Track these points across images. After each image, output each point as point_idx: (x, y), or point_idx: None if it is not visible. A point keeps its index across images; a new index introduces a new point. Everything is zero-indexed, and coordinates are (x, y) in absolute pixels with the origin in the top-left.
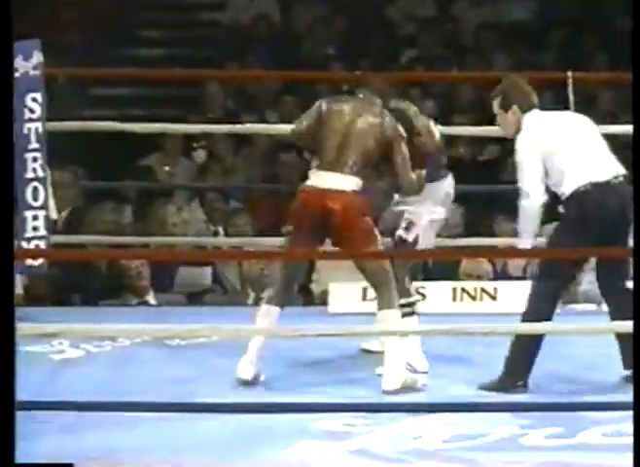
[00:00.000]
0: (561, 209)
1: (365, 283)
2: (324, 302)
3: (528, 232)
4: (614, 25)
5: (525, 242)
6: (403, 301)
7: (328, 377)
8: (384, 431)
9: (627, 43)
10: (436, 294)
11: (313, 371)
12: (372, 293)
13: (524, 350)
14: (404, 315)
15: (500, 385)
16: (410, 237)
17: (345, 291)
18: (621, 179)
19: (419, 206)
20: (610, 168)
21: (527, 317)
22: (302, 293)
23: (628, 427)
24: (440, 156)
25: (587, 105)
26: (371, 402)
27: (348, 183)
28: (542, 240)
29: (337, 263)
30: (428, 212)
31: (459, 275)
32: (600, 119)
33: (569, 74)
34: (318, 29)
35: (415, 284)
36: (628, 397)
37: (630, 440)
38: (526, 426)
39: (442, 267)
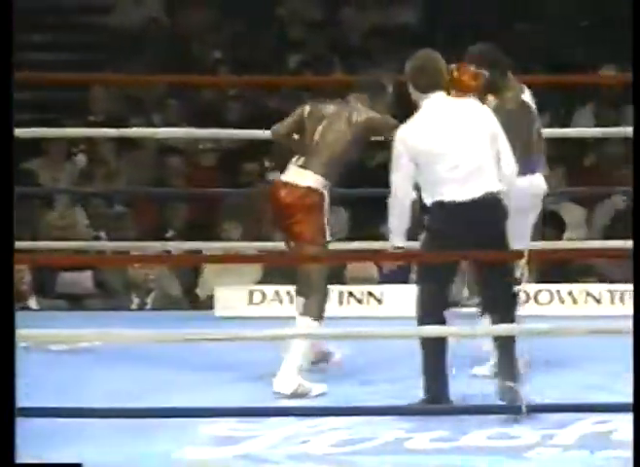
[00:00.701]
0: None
1: (252, 287)
2: (210, 306)
3: (395, 230)
4: (501, 28)
5: (395, 240)
6: None
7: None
8: (271, 435)
9: (520, 45)
10: None
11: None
12: (258, 297)
13: (433, 366)
14: None
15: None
16: None
17: (232, 295)
18: (486, 197)
19: None
20: (476, 185)
21: (419, 323)
22: (188, 297)
23: (513, 430)
24: None
25: None
26: (260, 406)
27: (308, 179)
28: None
29: (223, 265)
30: None
31: (345, 279)
32: None
33: None
34: (206, 33)
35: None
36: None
37: (516, 442)
38: (412, 430)
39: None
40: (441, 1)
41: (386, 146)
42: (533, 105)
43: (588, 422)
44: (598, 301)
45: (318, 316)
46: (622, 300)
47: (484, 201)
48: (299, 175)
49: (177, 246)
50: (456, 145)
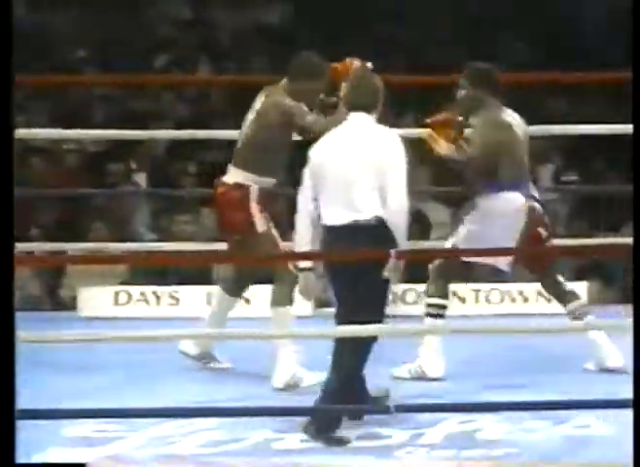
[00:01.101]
0: None
1: (117, 287)
2: (74, 306)
3: (299, 243)
4: (369, 28)
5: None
6: (434, 300)
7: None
8: (139, 436)
9: (386, 45)
10: (190, 298)
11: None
12: (124, 297)
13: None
14: (428, 315)
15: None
16: None
17: (96, 295)
18: (359, 225)
19: None
20: (352, 212)
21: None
22: (51, 297)
23: (383, 430)
24: None
25: None
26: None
27: (234, 176)
28: None
29: (87, 266)
30: None
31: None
32: None
33: None
34: (70, 31)
35: (169, 289)
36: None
37: (385, 442)
38: (282, 430)
39: (197, 271)
40: (306, 1)
41: None
42: (519, 125)
43: (454, 422)
44: (463, 300)
45: (287, 303)
46: (487, 300)
47: (357, 229)
48: (229, 173)
49: (40, 247)
50: (345, 170)
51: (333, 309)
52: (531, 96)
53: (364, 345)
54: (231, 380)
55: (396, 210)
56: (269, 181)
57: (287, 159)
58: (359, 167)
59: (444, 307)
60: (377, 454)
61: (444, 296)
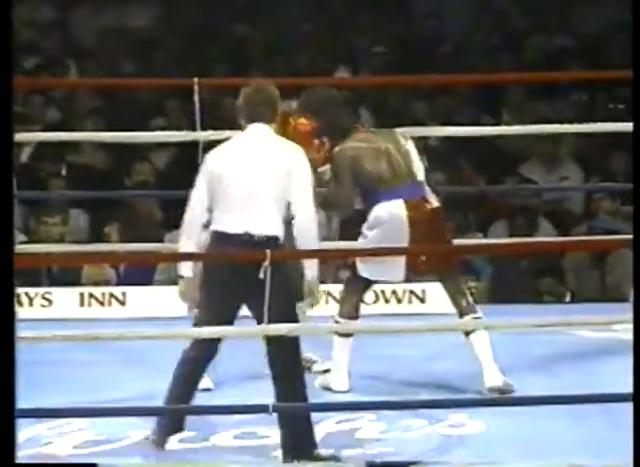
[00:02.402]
0: None
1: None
2: None
3: (184, 245)
4: (233, 34)
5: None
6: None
7: None
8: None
9: (245, 51)
10: (63, 299)
11: None
12: None
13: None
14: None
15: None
16: None
17: None
18: (253, 237)
19: None
20: (246, 224)
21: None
22: None
23: (261, 430)
24: None
25: (212, 112)
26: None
27: None
28: None
29: None
30: None
31: (82, 281)
32: (225, 125)
33: (195, 80)
34: None
35: (41, 290)
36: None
37: (263, 442)
38: None
39: (66, 272)
40: (174, 5)
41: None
42: (380, 143)
43: (332, 421)
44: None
45: None
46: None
47: (248, 241)
48: None
49: None
50: (245, 180)
51: None
52: (392, 98)
53: None
54: None
55: (303, 222)
56: None
57: None
58: (261, 179)
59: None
60: (255, 454)
61: (355, 316)
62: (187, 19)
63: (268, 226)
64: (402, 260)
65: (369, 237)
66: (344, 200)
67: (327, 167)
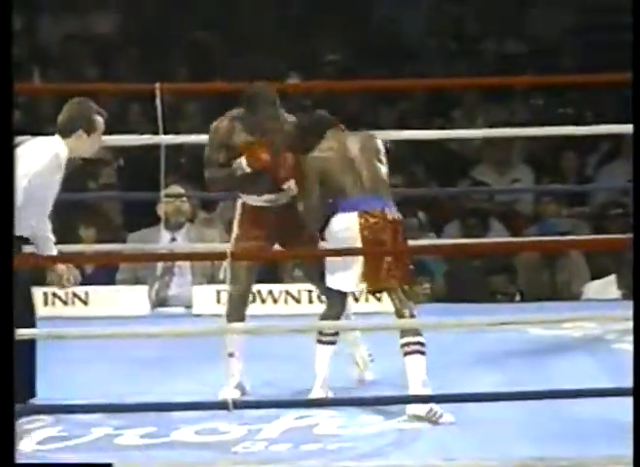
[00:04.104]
0: None
1: None
2: None
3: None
4: (194, 40)
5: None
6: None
7: None
8: None
9: (207, 55)
10: None
11: None
12: None
13: None
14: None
15: None
16: None
17: None
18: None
19: None
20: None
21: None
22: None
23: (222, 426)
24: None
25: (174, 117)
26: None
27: None
28: None
29: None
30: None
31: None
32: (187, 129)
33: (157, 85)
34: None
35: None
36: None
37: (224, 437)
38: (121, 426)
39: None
40: (136, 12)
41: None
42: (355, 152)
43: (291, 417)
44: (298, 300)
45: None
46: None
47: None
48: None
49: None
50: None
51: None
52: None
53: None
54: None
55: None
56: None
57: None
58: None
59: (336, 334)
60: (215, 450)
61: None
62: (148, 26)
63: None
64: (357, 271)
65: (324, 249)
66: (312, 214)
67: (290, 184)
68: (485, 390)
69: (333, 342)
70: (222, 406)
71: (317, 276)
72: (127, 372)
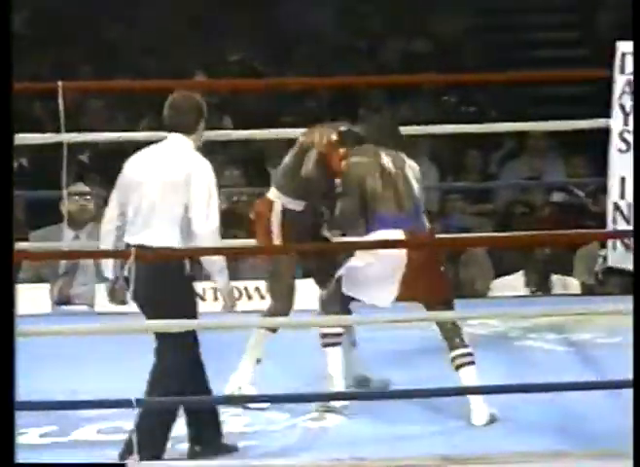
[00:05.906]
0: None
1: None
2: None
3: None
4: (99, 38)
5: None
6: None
7: None
8: None
9: (112, 53)
10: None
11: None
12: None
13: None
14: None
15: None
16: None
17: None
18: (148, 247)
19: None
20: (146, 234)
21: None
22: None
23: (125, 424)
24: None
25: (76, 114)
26: None
27: (270, 193)
28: None
29: None
30: None
31: None
32: (88, 127)
33: (59, 83)
34: None
35: None
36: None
37: (122, 437)
38: (22, 425)
39: None
40: (41, 9)
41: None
42: (391, 167)
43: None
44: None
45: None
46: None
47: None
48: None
49: None
50: (149, 190)
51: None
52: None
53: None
54: None
55: (200, 233)
56: (298, 203)
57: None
58: (162, 190)
59: (339, 335)
60: (117, 449)
61: (340, 333)
62: (54, 22)
63: (164, 239)
64: (394, 287)
65: (365, 261)
66: (349, 220)
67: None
68: (391, 388)
69: (338, 343)
70: (126, 404)
71: (326, 279)
72: (28, 369)
